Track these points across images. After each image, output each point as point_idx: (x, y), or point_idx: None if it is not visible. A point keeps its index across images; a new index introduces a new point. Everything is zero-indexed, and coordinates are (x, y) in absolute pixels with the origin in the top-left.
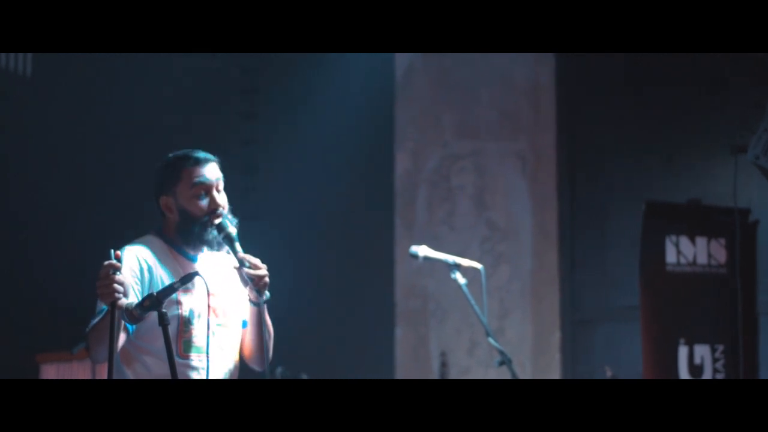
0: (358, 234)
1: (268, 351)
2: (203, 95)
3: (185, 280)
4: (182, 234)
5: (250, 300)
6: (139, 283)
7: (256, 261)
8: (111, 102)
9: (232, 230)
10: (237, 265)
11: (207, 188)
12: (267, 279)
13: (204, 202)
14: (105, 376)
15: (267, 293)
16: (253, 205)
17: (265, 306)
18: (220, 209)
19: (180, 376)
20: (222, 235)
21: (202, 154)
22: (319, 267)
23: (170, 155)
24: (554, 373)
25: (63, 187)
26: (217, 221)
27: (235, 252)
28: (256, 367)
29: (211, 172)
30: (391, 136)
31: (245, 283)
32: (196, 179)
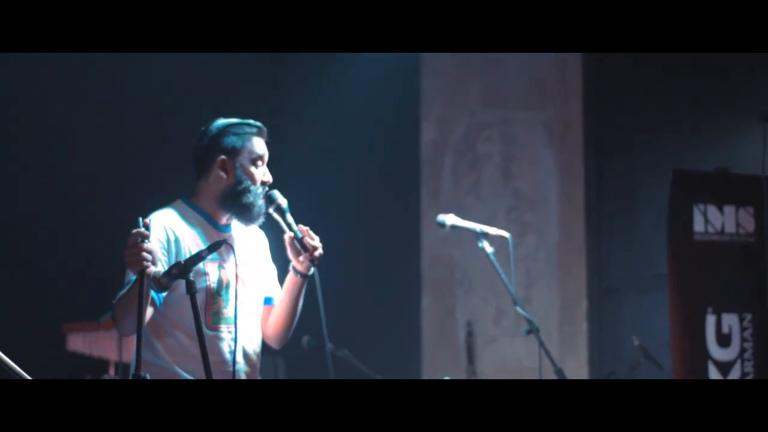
0: (385, 203)
1: (293, 327)
2: (230, 68)
3: (213, 247)
4: (230, 199)
5: (297, 272)
6: (166, 251)
7: (311, 232)
8: (143, 88)
9: (283, 201)
10: (290, 234)
11: (264, 161)
12: (321, 251)
13: (259, 174)
14: (133, 348)
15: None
16: (279, 176)
17: (306, 281)
18: (269, 184)
19: (209, 348)
20: (273, 207)
21: (265, 129)
22: (346, 237)
23: (229, 121)
24: (581, 342)
25: (91, 156)
26: (266, 193)
27: (287, 223)
28: (274, 345)
29: (267, 150)
30: (417, 104)
31: (297, 254)
32: (259, 150)
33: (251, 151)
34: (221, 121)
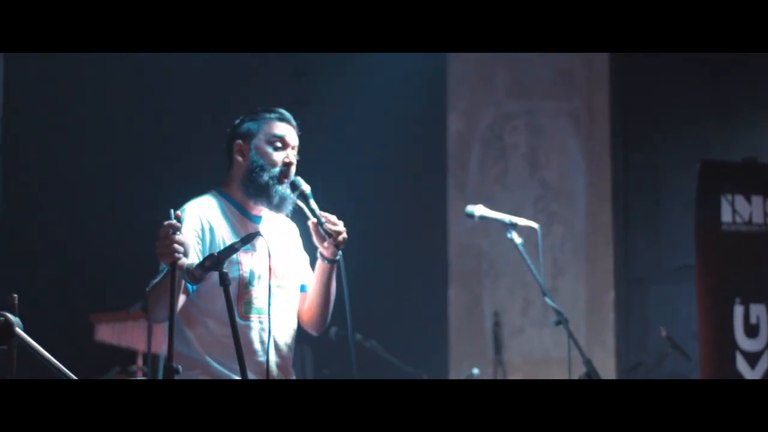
0: (412, 194)
1: (329, 313)
2: (257, 59)
3: (247, 239)
4: (248, 183)
5: (324, 257)
6: (200, 242)
7: (334, 217)
8: (175, 82)
9: (306, 188)
10: (314, 221)
11: (284, 143)
12: (345, 235)
13: (279, 155)
14: (164, 337)
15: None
16: (305, 167)
17: (335, 266)
18: (292, 168)
19: (241, 338)
20: (297, 193)
21: (287, 114)
22: (373, 228)
23: (252, 111)
24: (608, 333)
25: (122, 146)
26: (287, 179)
27: (311, 209)
28: (312, 331)
29: (291, 134)
30: (444, 96)
31: (322, 240)
32: (277, 131)
33: (267, 133)
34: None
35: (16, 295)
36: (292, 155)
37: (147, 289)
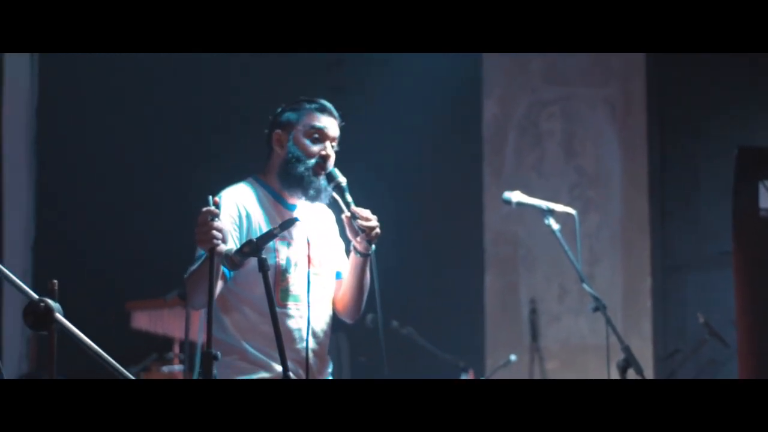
0: (447, 181)
1: (363, 302)
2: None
3: (285, 225)
4: (284, 174)
5: (356, 251)
6: (237, 228)
7: (367, 212)
8: (214, 72)
9: (342, 180)
10: (347, 214)
11: (323, 136)
12: (378, 230)
13: (316, 147)
14: (201, 323)
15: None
16: (340, 154)
17: (368, 259)
18: (330, 160)
19: (279, 325)
20: (332, 185)
21: (329, 105)
22: (409, 215)
23: (293, 102)
24: (645, 320)
25: (160, 135)
26: (324, 171)
27: (345, 202)
28: (346, 319)
29: (332, 126)
30: (479, 83)
31: (355, 234)
32: (317, 123)
33: (306, 124)
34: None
35: (56, 282)
36: (329, 148)
37: (185, 275)
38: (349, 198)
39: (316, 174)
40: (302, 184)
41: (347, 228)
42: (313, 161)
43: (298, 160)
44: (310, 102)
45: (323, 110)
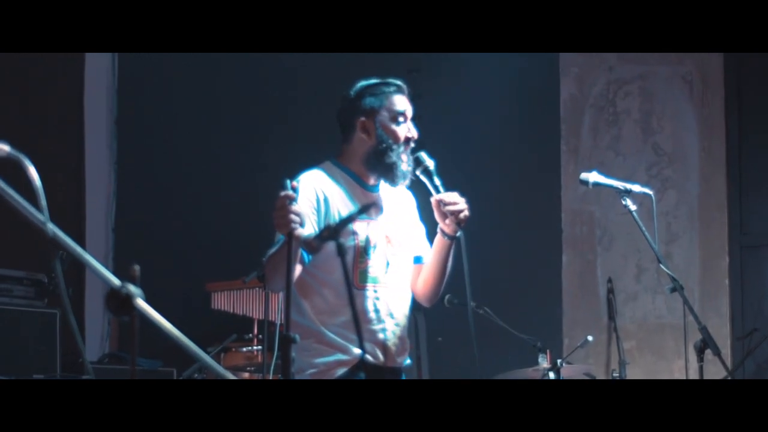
0: (524, 160)
1: (442, 286)
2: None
3: (363, 209)
4: (374, 159)
5: (444, 233)
6: (315, 212)
7: (456, 195)
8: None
9: (430, 163)
10: (436, 197)
11: (406, 117)
12: (467, 212)
13: (403, 130)
14: (279, 306)
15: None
16: (418, 133)
17: (453, 242)
18: (414, 140)
19: (357, 308)
20: (420, 169)
21: (403, 85)
22: (486, 194)
23: (367, 82)
24: (723, 298)
25: (238, 120)
26: (414, 155)
27: (434, 185)
28: (424, 303)
29: (409, 106)
30: (556, 61)
31: (443, 217)
32: (399, 107)
33: (390, 109)
34: (360, 84)
35: (137, 266)
36: (413, 128)
37: (264, 259)
38: (437, 181)
39: (406, 157)
40: (394, 171)
41: (435, 211)
42: (402, 146)
43: (390, 148)
44: (387, 84)
45: (401, 91)
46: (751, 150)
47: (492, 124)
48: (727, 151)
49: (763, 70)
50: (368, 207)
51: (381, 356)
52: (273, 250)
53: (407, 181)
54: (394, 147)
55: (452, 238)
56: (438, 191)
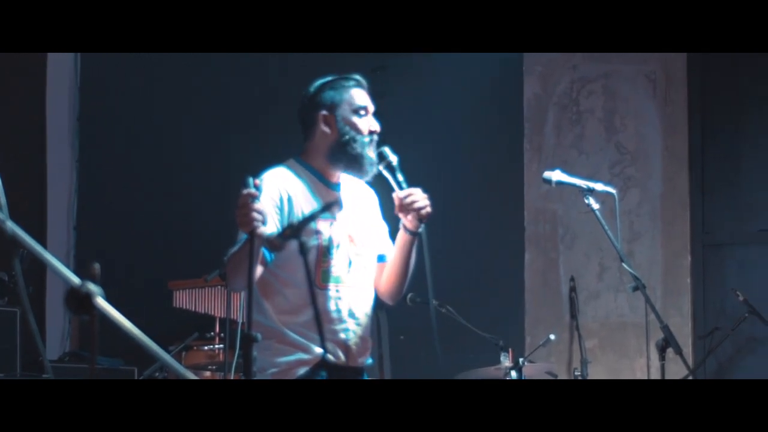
0: (488, 158)
1: (406, 283)
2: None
3: (326, 208)
4: (339, 154)
5: (406, 229)
6: (278, 210)
7: (418, 191)
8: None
9: (393, 158)
10: (399, 194)
11: (367, 111)
12: (429, 209)
13: (364, 124)
14: (241, 304)
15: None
16: (381, 132)
17: (416, 238)
18: (377, 133)
19: (319, 307)
20: (384, 164)
21: (363, 80)
22: (449, 192)
23: (326, 79)
24: (685, 297)
25: (199, 118)
26: (377, 149)
27: (397, 181)
28: (388, 301)
29: (368, 98)
30: (520, 60)
31: (405, 213)
32: (360, 100)
33: (351, 102)
34: (319, 81)
35: (97, 265)
36: (374, 122)
37: (225, 258)
38: (400, 177)
39: (370, 150)
40: (359, 163)
41: (397, 206)
42: (367, 138)
43: (354, 140)
44: (346, 79)
45: (360, 85)
46: (713, 149)
47: (455, 122)
48: (690, 150)
49: (726, 70)
50: (331, 205)
51: (342, 356)
52: (234, 248)
53: (374, 173)
54: (358, 138)
55: (414, 234)
56: (401, 187)
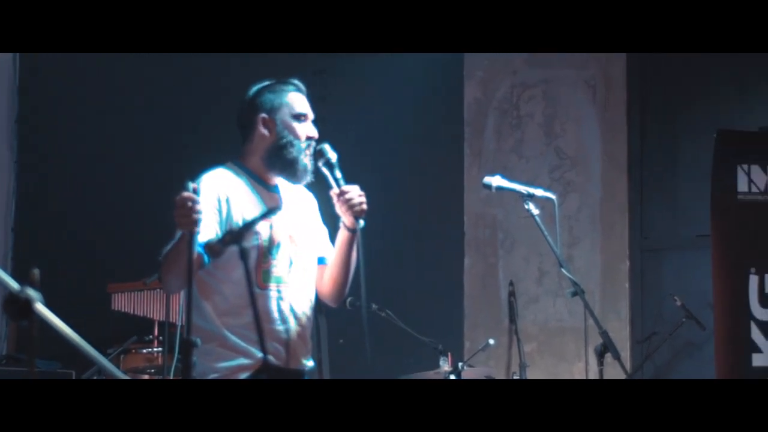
0: (428, 162)
1: (347, 283)
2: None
3: (266, 214)
4: (275, 158)
5: (345, 226)
6: (217, 213)
7: (356, 188)
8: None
9: (332, 156)
10: (336, 191)
11: (306, 117)
12: (365, 206)
13: (304, 129)
14: (180, 307)
15: (362, 220)
16: (323, 135)
17: (355, 235)
18: (314, 140)
19: (259, 308)
20: (323, 161)
21: (302, 85)
22: (389, 196)
23: (266, 82)
24: (623, 302)
25: (139, 120)
26: (316, 147)
27: (335, 178)
28: (330, 303)
29: (307, 103)
30: (461, 64)
31: (343, 210)
32: (299, 106)
33: (291, 107)
34: (257, 85)
35: (37, 270)
36: (313, 128)
37: (159, 257)
38: (338, 174)
39: (306, 155)
40: (294, 167)
41: (336, 203)
42: (304, 144)
43: (291, 144)
44: (285, 83)
45: (299, 90)
46: (652, 154)
47: (396, 126)
48: (629, 155)
49: (665, 75)
50: (271, 212)
51: (283, 353)
52: (168, 247)
53: (308, 179)
54: (295, 143)
55: (353, 232)
56: (339, 184)
